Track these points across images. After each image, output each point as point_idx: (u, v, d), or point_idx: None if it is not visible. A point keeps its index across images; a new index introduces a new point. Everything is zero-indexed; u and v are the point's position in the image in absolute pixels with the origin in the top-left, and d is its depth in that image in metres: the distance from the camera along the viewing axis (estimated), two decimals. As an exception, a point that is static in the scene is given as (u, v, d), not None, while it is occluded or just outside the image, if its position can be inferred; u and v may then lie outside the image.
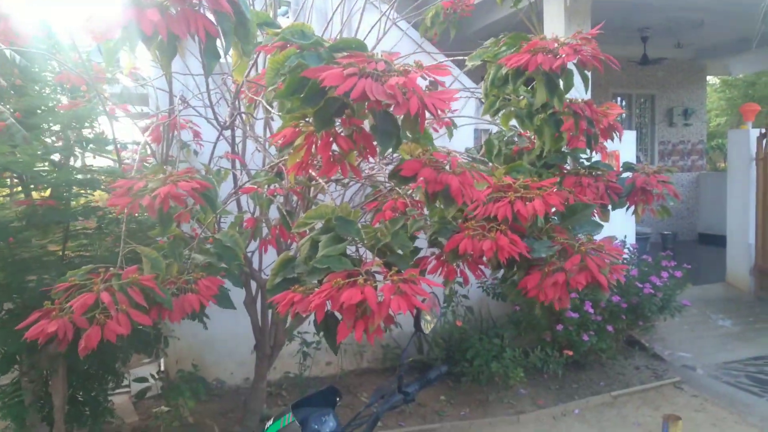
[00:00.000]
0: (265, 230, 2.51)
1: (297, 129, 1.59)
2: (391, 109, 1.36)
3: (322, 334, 1.58)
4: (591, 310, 4.17)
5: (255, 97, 2.34)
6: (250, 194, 2.08)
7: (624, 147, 5.17)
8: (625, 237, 4.93)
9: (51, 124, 2.93)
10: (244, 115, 2.69)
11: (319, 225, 1.71)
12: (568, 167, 2.46)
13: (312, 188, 2.58)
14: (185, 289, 1.83)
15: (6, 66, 2.90)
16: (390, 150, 1.48)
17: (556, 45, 1.80)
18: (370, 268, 1.53)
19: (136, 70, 2.98)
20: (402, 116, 1.46)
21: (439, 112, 1.41)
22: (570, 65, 1.88)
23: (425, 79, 1.45)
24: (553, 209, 1.78)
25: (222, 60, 2.92)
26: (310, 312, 1.43)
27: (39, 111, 2.77)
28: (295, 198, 2.81)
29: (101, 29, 1.25)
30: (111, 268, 1.77)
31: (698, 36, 8.25)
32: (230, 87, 2.95)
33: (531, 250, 1.72)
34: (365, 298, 1.36)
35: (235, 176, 2.66)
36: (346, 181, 2.78)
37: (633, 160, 5.60)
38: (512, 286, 2.07)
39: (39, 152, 2.52)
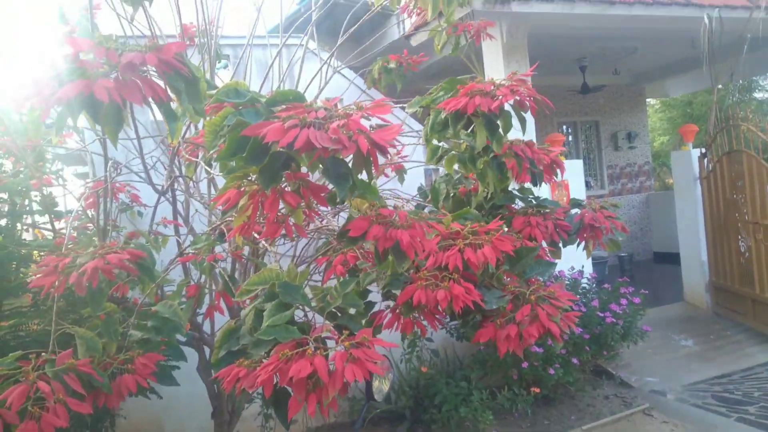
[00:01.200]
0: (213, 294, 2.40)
1: (240, 190, 1.52)
2: (339, 153, 1.32)
3: (272, 408, 1.49)
4: (554, 344, 4.14)
5: (192, 159, 2.27)
6: (191, 261, 1.99)
7: (572, 176, 5.26)
8: (583, 267, 4.96)
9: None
10: (183, 177, 2.60)
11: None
12: (516, 207, 2.46)
13: (259, 247, 2.50)
14: (122, 370, 1.71)
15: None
16: (345, 195, 1.42)
17: (492, 87, 1.80)
18: (320, 334, 1.46)
19: (64, 137, 2.87)
20: (352, 158, 1.42)
21: (389, 149, 1.38)
22: (507, 107, 1.88)
23: (368, 119, 1.41)
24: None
25: (160, 117, 2.84)
26: (256, 388, 1.35)
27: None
28: (244, 260, 2.71)
29: (39, 104, 1.13)
30: (43, 354, 1.64)
31: (634, 62, 8.57)
32: (169, 147, 2.86)
33: (483, 301, 1.67)
34: (316, 369, 1.28)
35: (178, 242, 2.56)
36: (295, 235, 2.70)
37: (582, 187, 5.70)
38: (474, 328, 2.02)
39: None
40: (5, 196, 2.78)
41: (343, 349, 1.34)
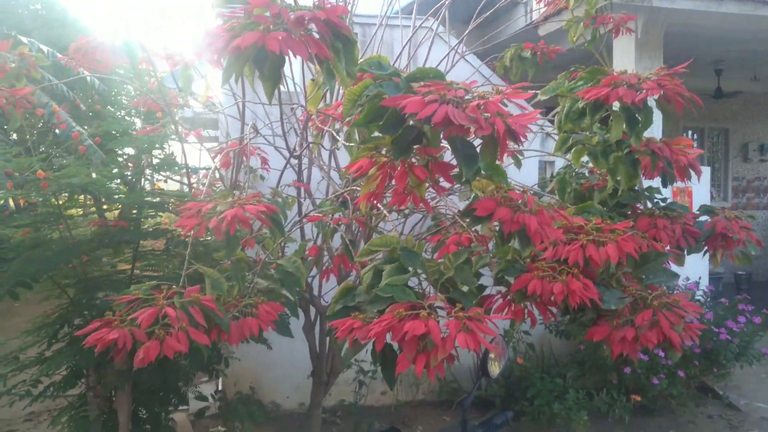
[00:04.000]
0: (326, 258, 2.51)
1: (372, 159, 1.59)
2: (473, 132, 1.34)
3: (379, 364, 1.55)
4: (662, 354, 3.97)
5: (323, 127, 2.37)
6: (315, 222, 2.09)
7: (698, 183, 4.98)
8: (699, 279, 4.70)
9: (126, 149, 3.05)
10: (311, 145, 2.72)
11: (382, 255, 1.69)
12: (641, 207, 2.38)
13: (374, 218, 2.58)
14: (245, 313, 1.84)
15: (86, 91, 3.06)
16: (471, 175, 1.45)
17: (638, 79, 1.75)
18: (433, 302, 1.50)
19: (210, 99, 3.07)
20: (481, 144, 1.44)
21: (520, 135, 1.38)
22: (650, 102, 1.82)
23: (505, 105, 1.42)
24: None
25: (291, 90, 2.98)
26: (369, 340, 1.41)
27: (116, 136, 2.89)
28: (356, 227, 2.81)
29: (212, 53, 1.21)
30: (174, 286, 1.80)
31: (777, 69, 7.90)
32: (299, 117, 3.00)
33: (601, 300, 1.64)
34: (429, 331, 1.32)
35: (300, 204, 2.69)
36: (406, 212, 2.76)
37: (707, 196, 5.38)
38: (581, 327, 1.99)
39: (115, 175, 2.63)
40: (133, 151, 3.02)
41: (457, 319, 1.38)
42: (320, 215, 2.04)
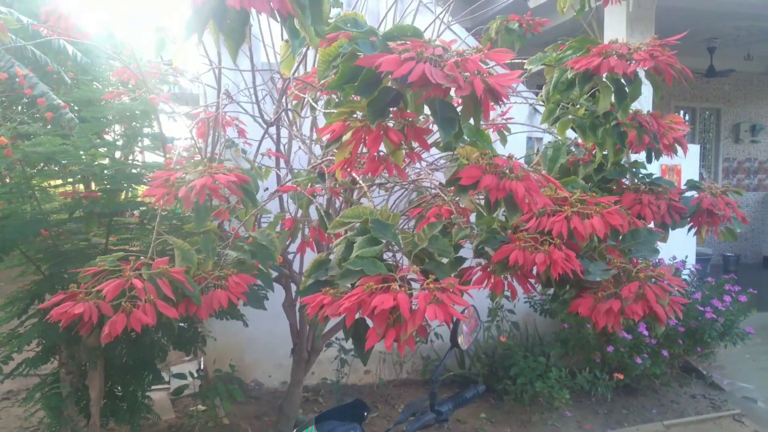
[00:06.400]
0: (306, 230, 2.44)
1: (346, 123, 1.52)
2: (452, 92, 1.27)
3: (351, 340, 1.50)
4: (645, 333, 3.95)
5: (301, 95, 2.29)
6: (290, 193, 2.02)
7: (687, 162, 4.93)
8: (686, 257, 4.67)
9: (105, 118, 2.95)
10: (290, 113, 2.63)
11: (356, 226, 1.63)
12: (627, 182, 2.33)
13: (356, 191, 2.51)
14: (216, 285, 1.77)
15: (64, 60, 2.96)
16: (449, 139, 1.38)
17: (629, 49, 1.68)
18: (406, 274, 1.45)
19: (184, 66, 2.96)
20: (462, 105, 1.38)
21: (501, 97, 1.31)
22: (640, 73, 1.76)
23: (485, 64, 1.35)
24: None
25: (272, 60, 2.87)
26: (339, 315, 1.36)
27: (94, 104, 2.79)
28: (339, 202, 2.73)
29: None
30: (142, 258, 1.73)
31: (770, 48, 7.85)
32: (277, 84, 2.91)
33: (585, 272, 1.59)
34: (398, 304, 1.27)
35: (278, 176, 2.61)
36: (390, 185, 2.70)
37: (696, 176, 5.33)
38: (563, 304, 1.95)
39: (97, 145, 2.54)
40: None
41: (428, 291, 1.32)
42: (294, 186, 1.96)
